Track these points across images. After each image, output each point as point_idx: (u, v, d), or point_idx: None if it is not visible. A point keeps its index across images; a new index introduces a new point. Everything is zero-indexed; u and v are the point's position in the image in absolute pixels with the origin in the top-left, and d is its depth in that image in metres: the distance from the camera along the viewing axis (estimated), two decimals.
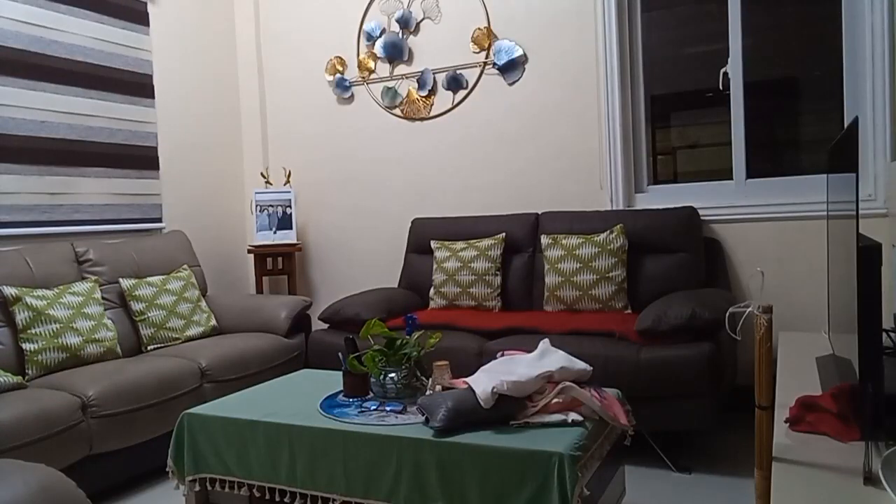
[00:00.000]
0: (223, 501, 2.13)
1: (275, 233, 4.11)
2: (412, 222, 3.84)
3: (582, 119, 3.52)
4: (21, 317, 2.72)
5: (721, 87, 3.31)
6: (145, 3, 3.76)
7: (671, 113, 3.66)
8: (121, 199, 3.59)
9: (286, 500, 1.96)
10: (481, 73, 3.76)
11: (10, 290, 2.75)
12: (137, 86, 3.69)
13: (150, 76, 3.77)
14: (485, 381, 1.83)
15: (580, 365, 1.98)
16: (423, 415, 1.87)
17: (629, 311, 3.09)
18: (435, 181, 3.94)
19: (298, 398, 2.19)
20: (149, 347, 3.15)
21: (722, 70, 3.30)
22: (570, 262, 3.16)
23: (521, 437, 1.72)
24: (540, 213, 3.52)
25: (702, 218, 3.23)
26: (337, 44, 4.15)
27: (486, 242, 3.44)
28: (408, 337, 2.20)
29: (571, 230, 3.30)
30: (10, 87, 3.07)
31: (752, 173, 3.29)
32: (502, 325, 2.94)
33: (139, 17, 3.72)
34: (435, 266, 3.52)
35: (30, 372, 2.69)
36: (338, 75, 4.15)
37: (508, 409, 1.81)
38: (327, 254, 4.31)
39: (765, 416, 1.36)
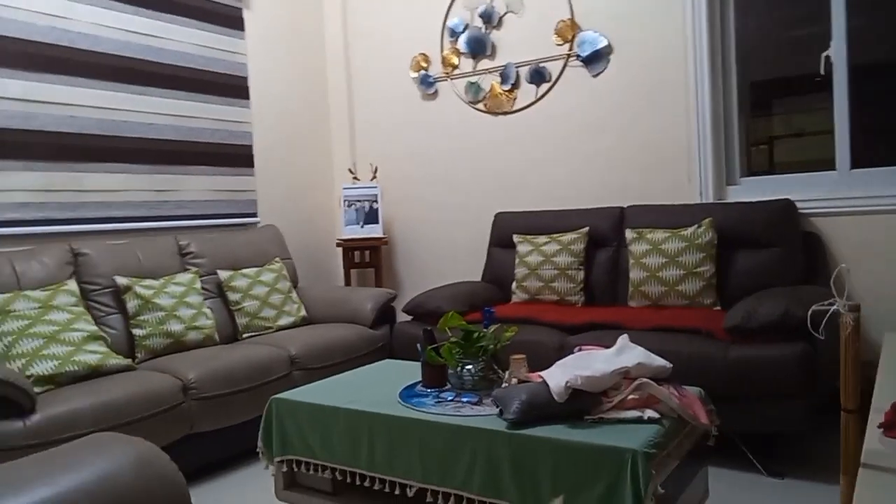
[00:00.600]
0: (309, 482, 2.23)
1: (362, 227, 4.23)
2: (495, 216, 3.85)
3: (669, 110, 3.42)
4: (131, 304, 2.95)
5: (823, 72, 3.13)
6: (240, 10, 3.96)
7: (773, 100, 3.49)
8: (219, 195, 3.81)
9: (366, 483, 2.03)
10: (565, 65, 3.72)
11: (122, 280, 2.98)
12: (234, 88, 3.89)
13: (246, 78, 3.97)
14: (559, 376, 1.82)
15: (659, 361, 1.94)
16: (497, 407, 1.89)
17: (718, 307, 2.98)
18: (518, 175, 3.94)
19: (379, 387, 2.26)
20: (243, 335, 3.33)
21: (824, 54, 3.11)
22: (655, 257, 3.08)
23: (595, 432, 1.71)
24: (625, 206, 3.45)
25: (800, 211, 3.07)
26: (421, 41, 4.21)
27: (569, 237, 3.41)
28: (485, 330, 2.23)
29: (657, 224, 3.22)
30: (123, 93, 3.32)
31: (857, 163, 3.09)
32: (584, 320, 2.91)
33: (235, 23, 3.92)
34: (517, 260, 3.52)
35: (139, 355, 2.91)
36: (422, 72, 4.21)
37: (583, 403, 1.80)
38: (413, 247, 4.39)
39: (851, 420, 1.29)
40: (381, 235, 4.20)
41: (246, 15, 4.00)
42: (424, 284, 4.24)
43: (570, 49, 3.68)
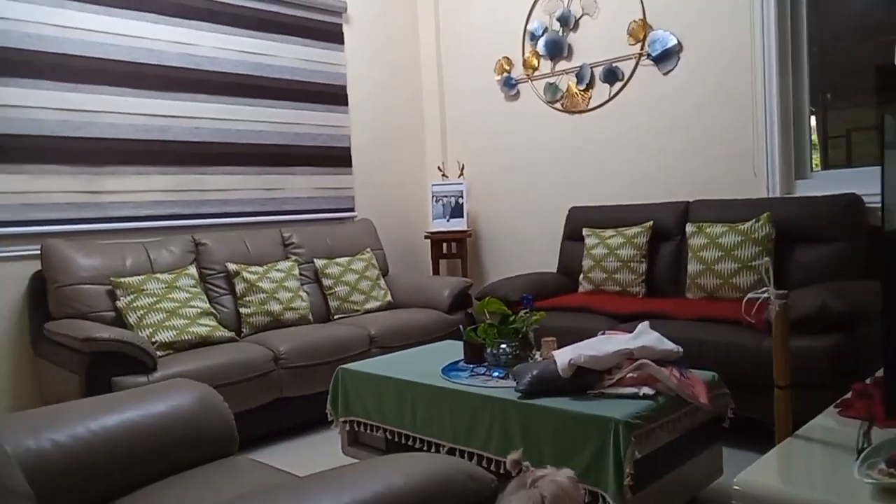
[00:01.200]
0: (368, 441, 2.61)
1: (448, 220, 4.58)
2: (569, 210, 4.05)
3: (737, 105, 3.46)
4: (239, 287, 3.47)
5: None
6: (340, 25, 4.42)
7: (851, 94, 3.43)
8: (320, 192, 4.29)
9: (410, 443, 2.38)
10: (636, 64, 3.84)
11: (232, 266, 3.52)
12: (334, 96, 4.36)
13: (344, 86, 4.43)
14: (567, 354, 2.06)
15: (668, 346, 2.12)
16: (514, 380, 2.16)
17: None
18: (592, 171, 4.11)
19: (429, 362, 2.59)
20: (335, 316, 3.79)
21: None
22: (712, 251, 3.18)
23: (591, 404, 1.93)
24: (690, 201, 3.54)
25: (867, 205, 3.03)
26: (504, 45, 4.47)
27: (633, 230, 3.56)
28: (522, 314, 2.49)
29: (720, 218, 3.30)
30: (237, 106, 3.87)
31: None
32: (635, 309, 3.08)
33: (335, 37, 4.38)
34: (584, 252, 3.72)
35: (245, 330, 3.43)
36: (505, 74, 4.48)
37: (587, 380, 2.03)
38: (496, 239, 4.68)
39: (781, 395, 1.45)
40: (465, 228, 4.53)
41: (345, 29, 4.46)
42: (505, 274, 4.52)
43: (642, 48, 3.80)
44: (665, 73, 3.73)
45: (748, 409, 2.51)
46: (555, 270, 4.13)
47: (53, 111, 3.17)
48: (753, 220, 3.12)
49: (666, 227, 3.54)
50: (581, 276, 3.72)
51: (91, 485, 1.32)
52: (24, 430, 1.33)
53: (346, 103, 4.44)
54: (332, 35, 4.37)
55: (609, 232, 3.66)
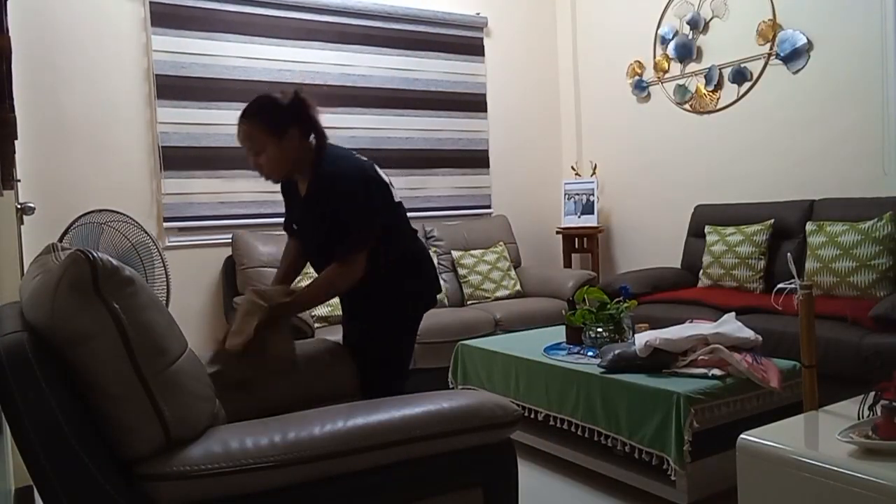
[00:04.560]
0: None
1: (579, 217, 4.86)
2: (695, 208, 4.17)
3: (867, 103, 3.42)
4: None
5: None
6: (482, 38, 4.85)
7: None
8: (460, 191, 4.76)
9: None
10: (765, 64, 3.88)
11: None
12: (474, 104, 4.81)
13: (484, 95, 4.86)
14: (647, 337, 2.32)
15: (746, 334, 2.31)
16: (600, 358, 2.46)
17: None
18: (719, 170, 4.19)
19: (536, 342, 2.94)
20: (468, 302, 4.23)
21: None
22: (830, 249, 3.20)
23: (662, 380, 2.19)
24: (816, 199, 3.54)
25: None
26: (636, 50, 4.65)
27: (753, 228, 3.63)
28: (618, 302, 2.76)
29: (844, 217, 3.29)
30: (386, 116, 4.44)
31: None
32: (740, 304, 3.19)
33: (477, 50, 4.82)
34: (705, 248, 3.84)
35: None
36: (636, 77, 4.66)
37: (663, 360, 2.28)
38: (627, 235, 4.88)
39: (808, 374, 1.65)
40: (595, 225, 4.77)
41: (486, 42, 4.88)
42: (634, 268, 4.69)
43: (771, 48, 3.84)
44: (794, 73, 3.74)
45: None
46: (679, 266, 4.26)
47: None
48: (875, 220, 3.10)
49: (788, 225, 3.57)
50: (701, 271, 3.85)
51: (253, 401, 1.84)
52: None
53: (485, 110, 4.87)
54: (473, 48, 4.81)
55: (730, 229, 3.75)
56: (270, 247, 3.79)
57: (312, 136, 2.05)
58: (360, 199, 1.95)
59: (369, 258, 1.97)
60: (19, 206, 2.69)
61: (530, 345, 2.89)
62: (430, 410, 1.32)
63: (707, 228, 3.90)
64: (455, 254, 4.34)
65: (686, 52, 4.31)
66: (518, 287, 4.37)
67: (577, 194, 4.89)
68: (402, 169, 4.52)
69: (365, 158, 2.13)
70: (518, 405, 2.70)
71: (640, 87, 4.64)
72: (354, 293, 2.03)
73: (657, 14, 4.49)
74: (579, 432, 2.44)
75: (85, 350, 1.13)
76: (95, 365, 1.13)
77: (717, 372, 2.18)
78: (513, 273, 4.43)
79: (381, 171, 2.12)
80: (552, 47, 5.24)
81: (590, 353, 2.63)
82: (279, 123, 1.98)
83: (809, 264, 3.29)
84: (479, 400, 1.39)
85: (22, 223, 2.88)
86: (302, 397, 1.86)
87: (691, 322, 2.57)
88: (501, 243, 4.56)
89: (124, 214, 3.29)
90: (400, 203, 2.15)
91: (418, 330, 2.22)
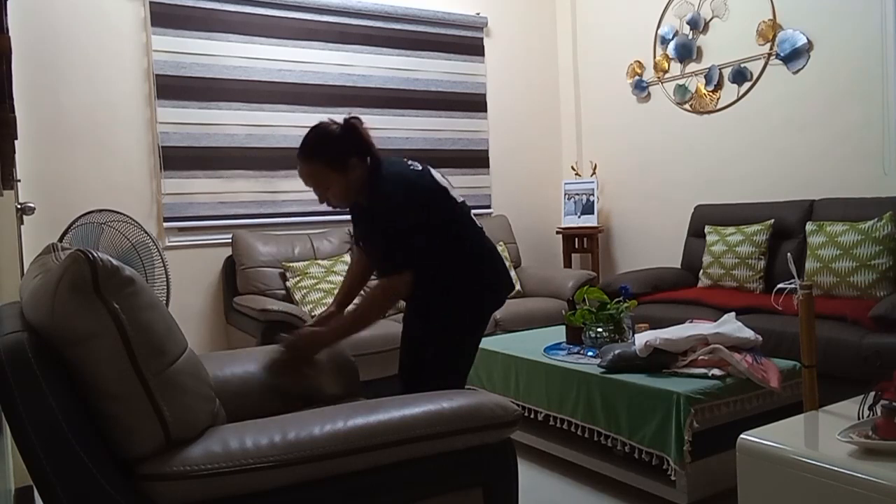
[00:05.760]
0: None
1: (579, 217, 4.86)
2: (695, 208, 4.17)
3: (867, 103, 3.42)
4: None
5: None
6: (482, 38, 4.85)
7: None
8: (459, 191, 4.72)
9: None
10: (765, 64, 3.88)
11: None
12: (474, 104, 4.81)
13: (484, 95, 4.86)
14: (647, 337, 2.32)
15: (746, 334, 2.31)
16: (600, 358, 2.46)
17: None
18: (719, 170, 4.19)
19: (536, 342, 2.94)
20: None
21: None
22: (830, 249, 3.20)
23: (662, 380, 2.19)
24: (816, 199, 3.54)
25: None
26: (636, 50, 4.65)
27: (753, 228, 3.63)
28: (618, 302, 2.76)
29: (844, 217, 3.30)
30: (387, 116, 4.44)
31: None
32: (740, 304, 3.19)
33: (476, 51, 4.82)
34: (705, 249, 3.84)
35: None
36: (636, 77, 4.66)
37: (663, 360, 2.28)
38: (627, 235, 4.88)
39: (808, 374, 1.65)
40: (595, 225, 4.77)
41: (486, 42, 4.88)
42: (634, 268, 4.69)
43: (771, 48, 3.84)
44: (794, 73, 3.74)
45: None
46: (679, 266, 4.26)
47: (242, 127, 3.92)
48: (876, 220, 3.11)
49: (788, 225, 3.58)
50: (701, 271, 3.85)
51: (253, 402, 1.85)
52: (214, 363, 1.89)
53: (485, 110, 4.87)
54: (473, 48, 4.81)
55: (730, 229, 3.75)
56: (270, 247, 3.80)
57: (368, 157, 2.01)
58: (401, 217, 1.92)
59: (426, 269, 1.95)
60: (19, 206, 2.68)
61: (530, 345, 2.89)
62: (431, 410, 1.32)
63: (707, 228, 3.90)
64: None
65: (686, 52, 4.31)
66: (518, 287, 4.37)
67: (577, 194, 4.89)
68: None
69: (419, 167, 2.10)
70: (518, 405, 2.71)
71: (640, 87, 4.64)
72: (418, 295, 2.00)
73: (657, 14, 4.49)
74: (579, 432, 2.44)
75: (85, 350, 1.13)
76: (95, 365, 1.13)
77: (717, 372, 2.18)
78: (513, 273, 4.43)
79: (437, 175, 2.10)
80: (552, 47, 5.24)
81: (590, 353, 2.63)
82: (340, 157, 1.95)
83: (809, 264, 3.29)
84: (479, 400, 1.40)
85: (22, 223, 2.88)
86: (302, 397, 1.86)
87: (691, 322, 2.57)
88: (501, 243, 4.55)
89: (124, 214, 3.29)
90: (462, 203, 2.13)
91: (483, 331, 2.16)
